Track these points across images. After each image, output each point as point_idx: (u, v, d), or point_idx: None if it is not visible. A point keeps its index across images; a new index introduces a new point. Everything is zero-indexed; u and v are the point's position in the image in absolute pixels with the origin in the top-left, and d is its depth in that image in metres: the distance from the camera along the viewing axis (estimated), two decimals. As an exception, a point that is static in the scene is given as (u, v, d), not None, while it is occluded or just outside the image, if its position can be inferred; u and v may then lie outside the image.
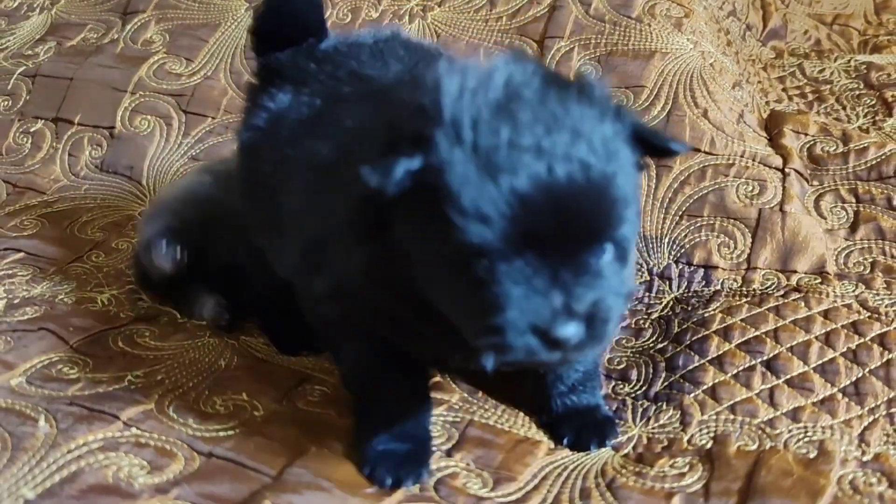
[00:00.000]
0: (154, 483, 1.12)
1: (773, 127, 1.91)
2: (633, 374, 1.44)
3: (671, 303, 1.61)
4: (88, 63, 2.28)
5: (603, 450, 1.28)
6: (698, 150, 1.80)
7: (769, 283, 1.61)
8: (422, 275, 1.02)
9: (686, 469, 1.21)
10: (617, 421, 1.34)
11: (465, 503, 1.14)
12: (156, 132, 2.13)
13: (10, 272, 1.72)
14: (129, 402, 1.29)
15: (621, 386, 1.43)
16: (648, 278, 1.68)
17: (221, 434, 1.24)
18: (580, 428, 1.30)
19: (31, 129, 2.22)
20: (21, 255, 1.80)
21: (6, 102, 2.29)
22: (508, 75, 0.98)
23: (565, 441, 1.29)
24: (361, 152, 1.02)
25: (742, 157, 1.77)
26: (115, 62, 2.26)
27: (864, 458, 1.21)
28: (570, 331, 0.93)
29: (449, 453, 1.24)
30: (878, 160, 1.80)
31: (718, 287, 1.63)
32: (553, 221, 0.91)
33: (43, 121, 2.23)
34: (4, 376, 1.32)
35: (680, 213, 1.73)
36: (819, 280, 1.61)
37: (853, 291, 1.56)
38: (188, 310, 1.61)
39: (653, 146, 1.04)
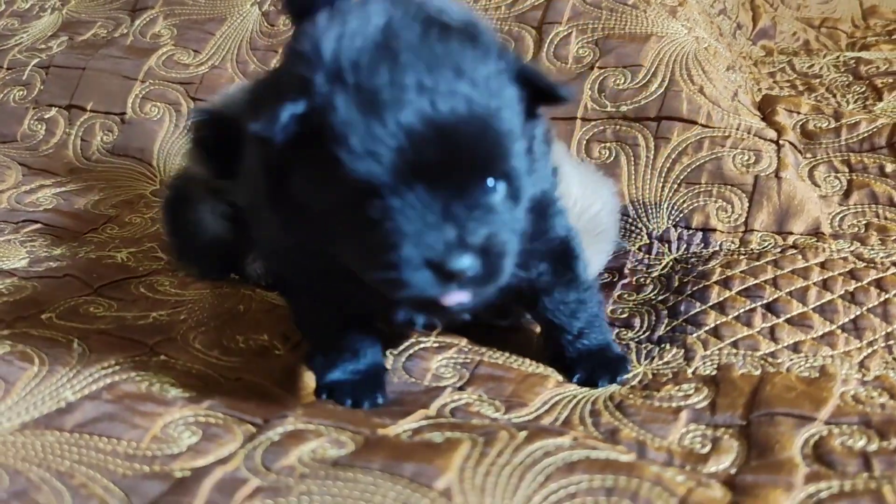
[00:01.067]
0: (186, 395, 1.16)
1: (766, 107, 1.97)
2: (637, 322, 1.48)
3: (671, 263, 1.66)
4: (100, 54, 2.34)
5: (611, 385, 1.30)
6: (684, 121, 1.87)
7: (766, 243, 1.66)
8: (321, 225, 1.03)
9: (692, 391, 1.23)
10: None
11: (479, 422, 1.16)
12: (165, 118, 2.19)
13: (30, 238, 1.77)
14: (155, 334, 1.33)
15: (625, 332, 1.46)
16: (648, 241, 1.73)
17: (247, 366, 1.28)
18: (592, 366, 1.32)
19: (46, 117, 2.28)
20: (39, 225, 1.85)
21: (21, 92, 2.34)
22: (388, 18, 0.99)
23: (576, 378, 1.31)
24: (256, 106, 1.06)
25: (738, 129, 1.83)
26: (126, 53, 2.33)
27: (865, 379, 1.24)
28: (465, 262, 0.94)
29: (461, 388, 1.27)
30: (870, 132, 1.85)
31: (717, 248, 1.67)
32: (440, 153, 0.93)
33: (56, 108, 2.28)
34: (35, 311, 1.37)
35: (678, 181, 1.78)
36: (815, 239, 1.65)
37: (849, 247, 1.61)
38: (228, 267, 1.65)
39: (538, 88, 1.04)
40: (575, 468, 1.00)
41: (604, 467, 1.01)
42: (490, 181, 0.98)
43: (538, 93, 1.05)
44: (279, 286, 1.42)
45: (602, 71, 1.97)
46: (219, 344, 1.33)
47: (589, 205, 1.57)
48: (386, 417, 1.14)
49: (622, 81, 1.93)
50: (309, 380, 1.26)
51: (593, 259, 1.57)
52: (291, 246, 1.14)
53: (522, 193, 1.04)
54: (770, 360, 1.31)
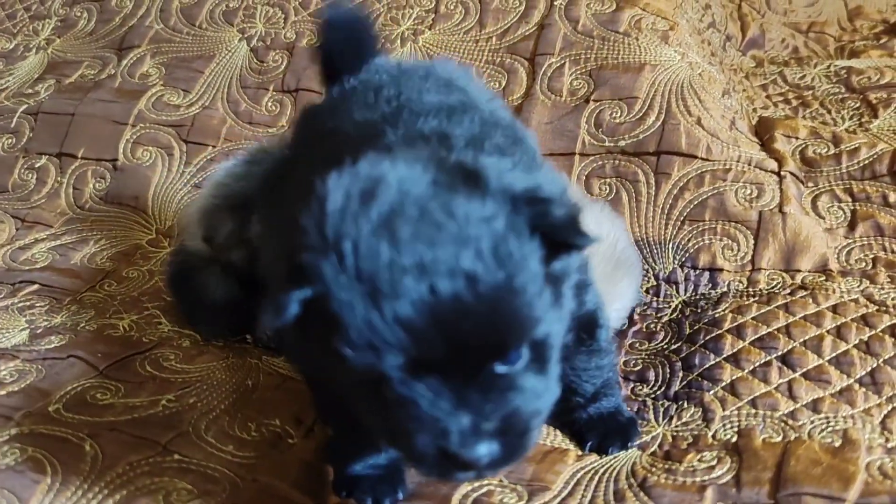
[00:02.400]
0: (206, 506, 1.15)
1: (763, 133, 1.95)
2: (651, 375, 1.47)
3: (680, 306, 1.65)
4: (88, 98, 2.31)
5: (629, 450, 1.29)
6: (683, 155, 1.85)
7: (774, 282, 1.65)
8: (338, 386, 1.00)
9: (714, 462, 1.23)
10: (639, 421, 1.36)
11: None
12: (158, 163, 2.16)
13: (29, 303, 1.75)
14: (166, 428, 1.31)
15: (640, 387, 1.45)
16: (655, 283, 1.72)
17: (261, 462, 1.27)
18: (603, 432, 1.31)
19: (36, 165, 2.25)
20: (36, 286, 1.83)
21: (10, 140, 2.31)
22: (398, 181, 0.89)
23: (588, 446, 1.30)
24: (271, 272, 1.01)
25: (738, 161, 1.81)
26: (115, 96, 2.30)
27: (889, 445, 1.23)
28: (481, 451, 0.88)
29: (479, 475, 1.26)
30: (871, 159, 1.83)
31: (725, 289, 1.66)
32: (444, 346, 0.85)
33: (47, 156, 2.25)
34: (41, 405, 1.35)
35: (682, 218, 1.77)
36: (823, 278, 1.64)
37: (858, 287, 1.59)
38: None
39: (558, 239, 0.93)
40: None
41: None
42: (513, 355, 0.90)
43: (557, 242, 0.93)
44: (296, 368, 1.35)
45: (597, 104, 1.95)
46: (231, 435, 1.32)
47: (616, 238, 1.59)
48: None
49: (618, 114, 1.91)
50: (326, 473, 1.25)
51: (628, 292, 1.58)
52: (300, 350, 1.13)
53: (551, 351, 0.95)
54: (790, 422, 1.30)
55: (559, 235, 0.92)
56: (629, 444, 1.30)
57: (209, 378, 1.47)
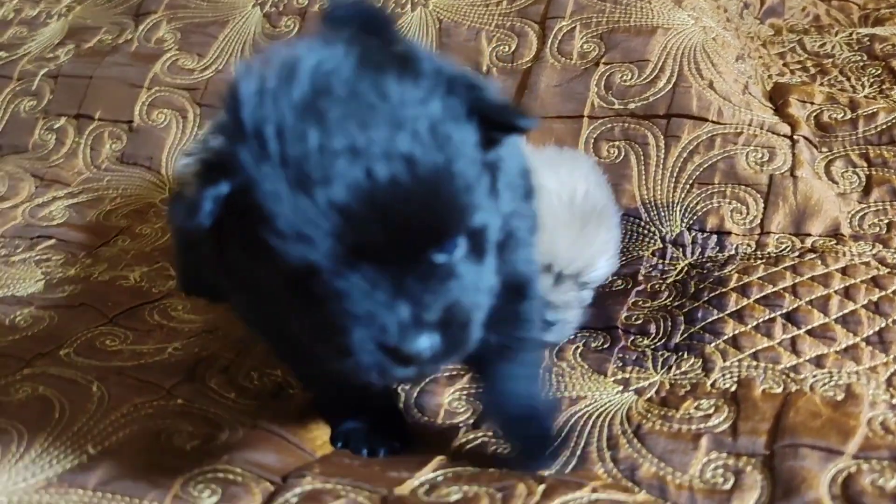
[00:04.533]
0: (205, 448, 1.17)
1: (777, 98, 1.93)
2: (652, 328, 1.46)
3: (686, 268, 1.64)
4: (106, 62, 2.33)
5: (626, 395, 1.29)
6: (694, 118, 1.84)
7: (784, 246, 1.63)
8: (268, 301, 0.94)
9: (712, 410, 1.22)
10: (638, 368, 1.37)
11: (496, 471, 1.14)
12: (172, 124, 2.18)
13: (45, 257, 1.79)
14: (171, 374, 1.33)
15: (640, 339, 1.45)
16: (662, 246, 1.71)
17: (262, 410, 1.28)
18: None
19: (55, 126, 2.27)
20: (53, 241, 1.87)
21: (31, 102, 2.34)
22: (316, 64, 0.84)
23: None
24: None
25: (750, 125, 1.81)
26: (131, 60, 2.32)
27: (894, 402, 1.21)
28: (423, 344, 0.83)
29: (475, 425, 1.27)
30: (890, 124, 1.81)
31: (733, 252, 1.65)
32: (382, 232, 0.81)
33: (66, 117, 2.28)
34: (53, 348, 1.38)
35: (691, 181, 1.76)
36: (834, 241, 1.62)
37: (870, 251, 1.57)
38: None
39: (496, 123, 0.90)
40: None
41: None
42: (450, 244, 0.86)
43: (495, 126, 0.90)
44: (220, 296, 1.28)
45: (608, 67, 1.94)
46: (234, 384, 1.34)
47: (573, 189, 1.56)
48: (403, 470, 1.13)
49: (629, 77, 1.91)
50: (323, 426, 1.26)
51: (608, 241, 1.57)
52: (245, 311, 1.10)
53: (488, 244, 0.91)
54: (792, 375, 1.29)
55: (497, 116, 0.89)
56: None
57: (215, 329, 1.49)
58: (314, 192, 0.79)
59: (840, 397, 1.22)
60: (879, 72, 2.04)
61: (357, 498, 1.07)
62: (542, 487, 1.06)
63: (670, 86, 1.88)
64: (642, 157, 1.82)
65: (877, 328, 1.37)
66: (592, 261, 1.52)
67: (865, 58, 2.10)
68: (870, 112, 1.85)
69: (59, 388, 1.25)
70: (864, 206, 1.70)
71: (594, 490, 1.07)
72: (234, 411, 1.26)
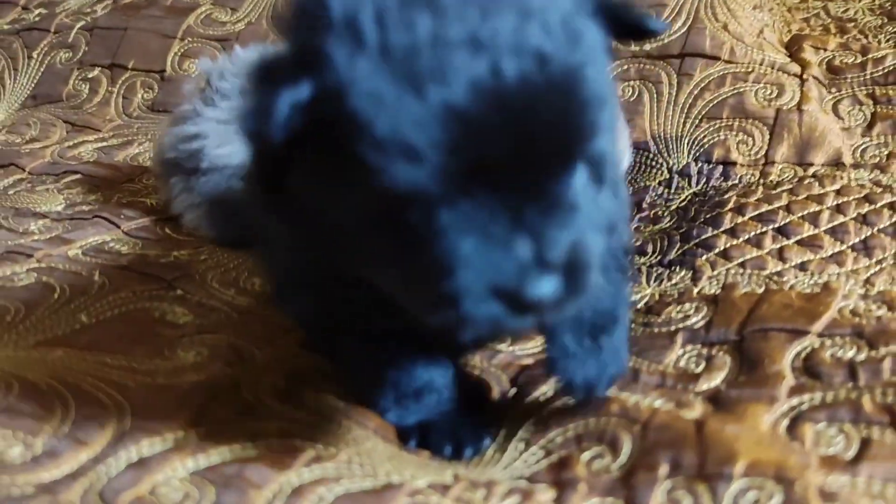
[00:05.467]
0: (198, 323, 1.21)
1: (792, 46, 1.96)
2: (649, 248, 1.48)
3: (690, 196, 1.66)
4: (141, 15, 2.42)
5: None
6: (707, 57, 1.87)
7: (786, 174, 1.66)
8: (343, 243, 0.77)
9: (691, 312, 1.23)
10: (631, 284, 1.36)
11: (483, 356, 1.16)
12: (203, 74, 2.24)
13: (69, 187, 1.84)
14: (175, 270, 1.39)
15: (638, 258, 1.46)
16: (668, 176, 1.73)
17: (257, 307, 1.30)
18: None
19: (89, 76, 2.35)
20: (78, 175, 1.92)
21: (67, 54, 2.42)
22: None
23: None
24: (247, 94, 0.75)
25: (761, 65, 1.83)
26: (166, 13, 2.40)
27: (868, 294, 1.23)
28: (546, 288, 0.69)
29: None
30: (896, 65, 1.83)
31: (736, 181, 1.67)
32: (507, 142, 0.66)
33: (100, 68, 2.36)
34: (62, 248, 1.44)
35: (700, 116, 1.79)
36: (835, 169, 1.65)
37: (868, 175, 1.60)
38: None
39: (625, 24, 0.78)
40: (549, 423, 1.00)
41: (574, 414, 1.01)
42: (572, 169, 0.72)
43: (622, 29, 0.78)
44: (305, 329, 1.11)
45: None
46: (235, 284, 1.37)
47: None
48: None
49: (647, 21, 1.93)
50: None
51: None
52: (308, 269, 0.89)
53: (607, 171, 0.77)
54: (775, 278, 1.31)
55: (627, 17, 0.78)
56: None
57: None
58: (426, 92, 0.65)
59: (816, 291, 1.24)
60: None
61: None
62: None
63: (685, 28, 1.91)
64: (655, 95, 1.84)
65: (863, 236, 1.40)
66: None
67: (886, 20, 2.11)
68: (879, 56, 1.88)
69: (63, 279, 1.30)
70: (867, 139, 1.72)
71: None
72: (231, 304, 1.30)
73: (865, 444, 0.92)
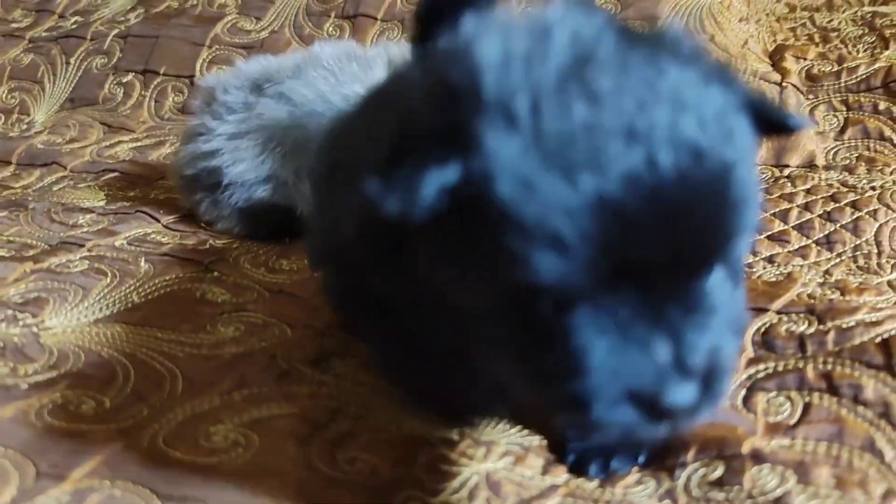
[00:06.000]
0: (234, 301, 1.37)
1: (776, 55, 2.12)
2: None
3: (673, 195, 1.81)
4: (171, 23, 2.58)
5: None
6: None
7: (765, 175, 1.80)
8: (461, 326, 0.73)
9: None
10: None
11: None
12: (230, 80, 2.41)
13: (108, 184, 2.01)
14: (211, 255, 1.55)
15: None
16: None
17: (288, 284, 1.46)
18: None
19: (123, 81, 2.52)
20: (116, 173, 2.09)
21: (103, 60, 2.59)
22: (575, 29, 0.67)
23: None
24: (357, 161, 0.75)
25: (744, 73, 1.99)
26: (195, 22, 2.57)
27: (825, 282, 1.36)
28: (686, 395, 0.65)
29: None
30: (867, 75, 1.99)
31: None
32: (660, 239, 0.62)
33: (133, 73, 2.53)
34: (109, 239, 1.61)
35: (687, 121, 1.94)
36: (808, 170, 1.80)
37: (837, 177, 1.75)
38: None
39: (769, 121, 0.73)
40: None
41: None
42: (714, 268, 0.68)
43: (766, 125, 0.73)
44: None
45: (623, 23, 2.13)
46: (265, 265, 1.53)
47: None
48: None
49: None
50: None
51: None
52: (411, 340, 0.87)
53: (742, 269, 0.74)
54: (745, 269, 1.45)
55: (772, 114, 0.73)
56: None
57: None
58: (579, 181, 0.60)
59: (780, 279, 1.38)
60: (874, 40, 2.21)
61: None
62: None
63: (674, 39, 2.06)
64: (647, 102, 2.00)
65: (827, 232, 1.54)
66: None
67: (866, 30, 2.27)
68: (853, 66, 2.04)
69: (112, 265, 1.46)
70: (839, 143, 1.88)
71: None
72: (263, 282, 1.46)
73: (806, 408, 1.04)
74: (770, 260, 1.49)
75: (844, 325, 1.18)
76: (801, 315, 1.23)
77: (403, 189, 0.61)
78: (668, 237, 0.62)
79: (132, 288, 1.38)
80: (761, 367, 1.13)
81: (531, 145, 0.61)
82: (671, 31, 0.73)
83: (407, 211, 0.62)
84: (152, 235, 1.65)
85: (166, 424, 1.04)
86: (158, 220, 1.74)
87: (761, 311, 1.26)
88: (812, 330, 1.19)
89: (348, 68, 1.71)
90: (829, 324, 1.19)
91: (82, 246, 1.55)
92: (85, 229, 1.66)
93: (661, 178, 0.61)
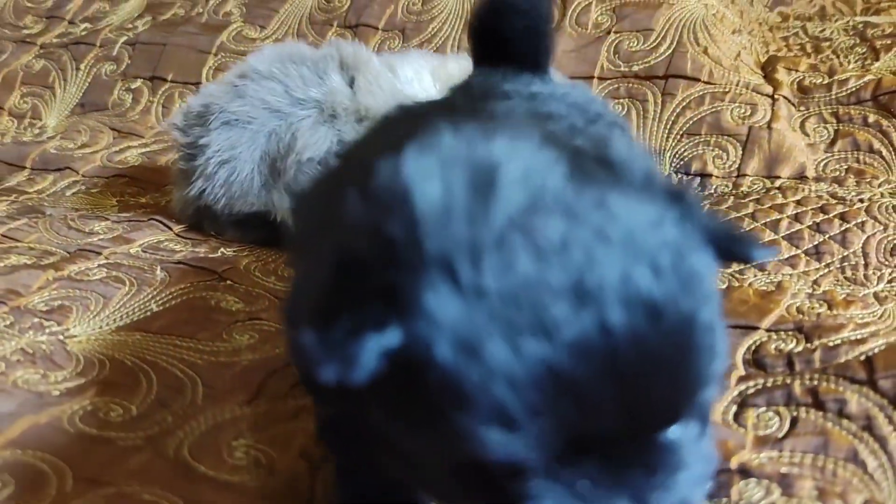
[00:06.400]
0: (248, 310, 1.43)
1: (768, 67, 2.18)
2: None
3: (667, 205, 1.87)
4: (178, 31, 2.64)
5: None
6: (688, 78, 2.10)
7: (756, 186, 1.88)
8: (414, 473, 0.70)
9: None
10: None
11: None
12: (235, 86, 2.47)
13: (120, 190, 2.07)
14: (223, 264, 1.61)
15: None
16: (649, 187, 1.94)
17: None
18: None
19: (132, 87, 2.58)
20: (126, 178, 2.16)
21: (112, 66, 2.65)
22: (520, 172, 0.61)
23: None
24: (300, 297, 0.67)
25: (737, 85, 2.05)
26: (201, 30, 2.63)
27: (813, 293, 1.42)
28: None
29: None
30: (858, 88, 2.05)
31: (712, 191, 1.89)
32: (614, 411, 0.58)
33: (141, 79, 2.59)
34: (124, 247, 1.67)
35: (681, 132, 2.01)
36: (799, 181, 1.87)
37: (826, 188, 1.81)
38: None
39: (732, 254, 0.68)
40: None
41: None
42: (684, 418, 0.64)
43: (728, 257, 0.69)
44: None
45: (617, 35, 2.21)
46: (276, 273, 1.60)
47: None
48: None
49: (635, 44, 2.17)
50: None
51: None
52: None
53: (707, 421, 0.68)
54: (737, 275, 1.50)
55: (735, 247, 0.68)
56: None
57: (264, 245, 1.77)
58: (523, 347, 0.55)
59: (771, 289, 1.44)
60: (865, 51, 2.27)
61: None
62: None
63: (669, 51, 2.14)
64: (642, 112, 2.07)
65: (816, 242, 1.61)
66: None
67: (858, 41, 2.33)
68: (843, 78, 2.10)
69: (129, 272, 1.52)
70: (829, 154, 1.94)
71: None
72: (273, 290, 1.52)
73: (794, 422, 1.10)
74: (761, 268, 1.54)
75: (831, 344, 1.23)
76: (790, 333, 1.29)
77: (340, 355, 0.57)
78: (626, 406, 0.58)
79: (150, 296, 1.44)
80: (751, 383, 1.18)
81: (473, 306, 0.56)
82: (619, 154, 0.70)
83: (347, 377, 0.57)
84: (165, 243, 1.71)
85: (190, 433, 1.10)
86: (171, 228, 1.80)
87: (752, 329, 1.31)
88: (800, 348, 1.24)
89: (296, 72, 1.75)
90: (816, 342, 1.24)
91: (99, 254, 1.61)
92: (101, 236, 1.72)
93: (615, 343, 0.56)
